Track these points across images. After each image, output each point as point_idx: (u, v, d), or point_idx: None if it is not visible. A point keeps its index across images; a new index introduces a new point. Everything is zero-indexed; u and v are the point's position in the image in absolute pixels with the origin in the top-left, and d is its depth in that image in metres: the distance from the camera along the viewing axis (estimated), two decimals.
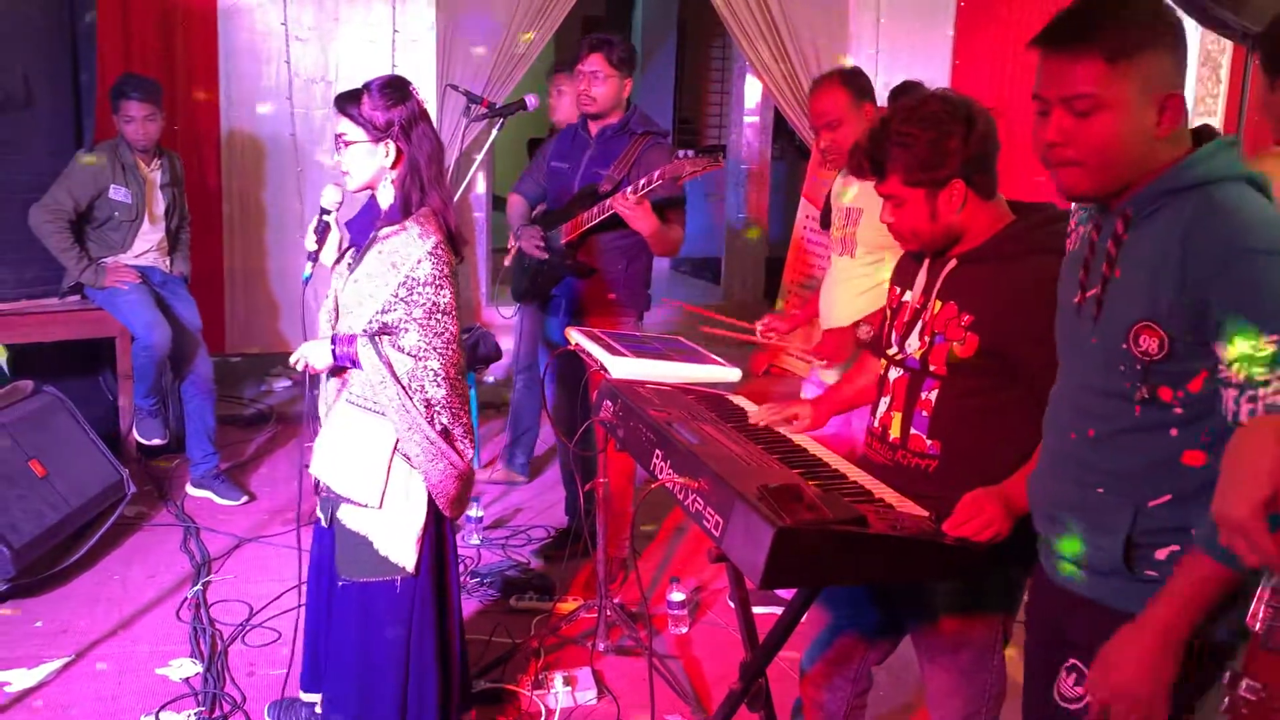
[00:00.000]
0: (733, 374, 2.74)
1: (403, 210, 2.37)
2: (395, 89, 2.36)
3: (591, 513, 3.44)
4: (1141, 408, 1.54)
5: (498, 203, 5.95)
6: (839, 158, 3.07)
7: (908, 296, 2.11)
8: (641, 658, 3.13)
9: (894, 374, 2.10)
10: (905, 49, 6.26)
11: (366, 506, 2.38)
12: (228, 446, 4.72)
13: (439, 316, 2.33)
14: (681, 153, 3.24)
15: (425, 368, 2.33)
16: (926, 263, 2.09)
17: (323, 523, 2.52)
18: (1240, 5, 4.04)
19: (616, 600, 3.35)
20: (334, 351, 2.35)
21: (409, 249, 2.32)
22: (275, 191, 5.48)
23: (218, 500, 4.25)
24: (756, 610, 2.50)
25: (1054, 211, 1.97)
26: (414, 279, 2.31)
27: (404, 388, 2.31)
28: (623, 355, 2.69)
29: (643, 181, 3.29)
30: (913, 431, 2.03)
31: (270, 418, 5.35)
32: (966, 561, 1.79)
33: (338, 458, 2.43)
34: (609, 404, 2.50)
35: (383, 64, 5.45)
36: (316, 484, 2.51)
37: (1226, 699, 1.35)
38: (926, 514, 1.87)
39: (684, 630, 3.37)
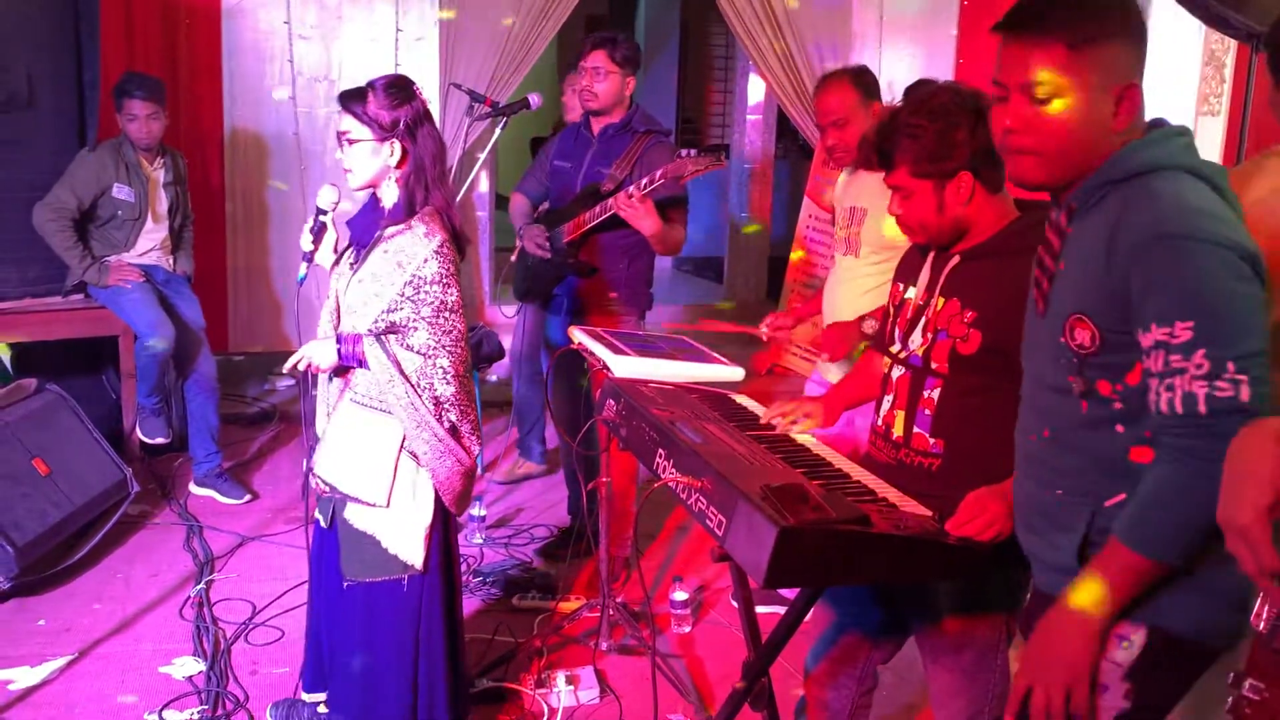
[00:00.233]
0: (736, 373, 2.73)
1: (407, 209, 2.38)
2: (401, 88, 2.36)
3: (594, 512, 3.44)
4: (1087, 404, 1.53)
5: (501, 202, 5.95)
6: (845, 156, 3.06)
7: (910, 293, 2.10)
8: (644, 657, 3.13)
9: (896, 372, 2.10)
10: (908, 47, 6.26)
11: (374, 505, 2.38)
12: (231, 445, 4.72)
13: (447, 314, 2.34)
14: (684, 152, 3.23)
15: (435, 365, 2.33)
16: (930, 259, 2.08)
17: (322, 523, 2.51)
18: (1242, 3, 4.03)
19: (619, 599, 3.35)
20: (339, 351, 2.35)
21: (415, 248, 2.32)
22: (278, 190, 5.48)
23: (220, 499, 4.25)
24: (759, 609, 2.50)
25: None
26: (421, 278, 2.31)
27: (413, 386, 2.32)
28: (626, 354, 2.68)
29: (645, 180, 3.28)
30: (915, 430, 2.04)
31: (273, 416, 5.34)
32: (970, 561, 1.79)
33: (344, 457, 2.43)
34: (612, 403, 2.50)
35: (386, 63, 5.45)
36: (307, 483, 2.50)
37: (1230, 699, 1.35)
38: (930, 513, 1.86)
39: (687, 629, 3.37)
